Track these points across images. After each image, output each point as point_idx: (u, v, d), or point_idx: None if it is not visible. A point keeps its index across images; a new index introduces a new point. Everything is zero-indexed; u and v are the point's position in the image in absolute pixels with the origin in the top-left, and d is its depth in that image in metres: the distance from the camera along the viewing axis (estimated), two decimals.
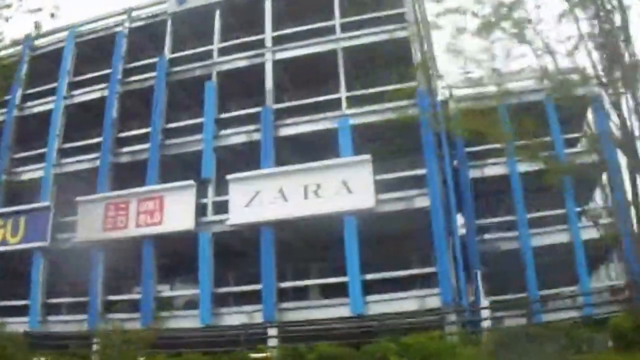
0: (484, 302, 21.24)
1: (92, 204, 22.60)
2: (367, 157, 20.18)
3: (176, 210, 21.40)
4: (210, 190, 21.56)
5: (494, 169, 23.63)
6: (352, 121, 20.97)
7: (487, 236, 23.38)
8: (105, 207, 22.30)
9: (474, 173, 23.77)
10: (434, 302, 19.29)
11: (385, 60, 21.75)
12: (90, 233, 22.33)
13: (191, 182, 21.42)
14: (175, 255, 21.93)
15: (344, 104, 21.40)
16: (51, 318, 22.85)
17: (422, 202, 20.04)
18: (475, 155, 23.76)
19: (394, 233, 20.60)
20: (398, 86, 21.20)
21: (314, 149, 21.01)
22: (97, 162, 23.35)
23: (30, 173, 24.64)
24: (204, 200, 21.45)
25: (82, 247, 22.40)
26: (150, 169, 22.24)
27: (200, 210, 21.28)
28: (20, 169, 24.92)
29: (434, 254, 20.81)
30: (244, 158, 21.51)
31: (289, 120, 21.69)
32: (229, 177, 21.09)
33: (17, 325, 22.62)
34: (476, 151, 23.59)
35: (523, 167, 22.71)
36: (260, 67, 22.49)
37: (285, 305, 20.11)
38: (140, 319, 21.07)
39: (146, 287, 21.36)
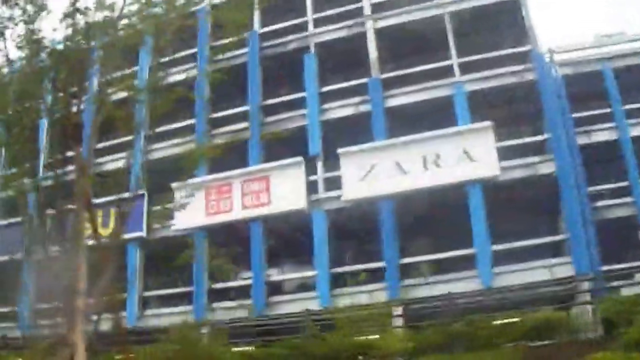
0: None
1: (190, 189, 21.51)
2: (488, 123, 19.30)
3: (284, 189, 20.40)
4: (320, 167, 20.60)
5: (601, 135, 22.73)
6: (467, 88, 20.09)
7: (599, 203, 22.51)
8: (206, 191, 21.29)
9: (581, 140, 22.90)
10: (563, 271, 18.53)
11: (494, 25, 20.96)
12: (190, 219, 21.29)
13: (299, 158, 20.44)
14: (282, 237, 20.98)
15: (456, 70, 20.49)
16: (149, 312, 21.88)
17: (547, 168, 19.26)
18: (581, 122, 22.88)
19: (517, 201, 19.77)
20: (511, 51, 20.50)
21: (426, 118, 20.06)
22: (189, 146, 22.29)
23: (117, 162, 23.54)
24: (313, 178, 20.51)
25: (181, 234, 21.43)
26: (252, 149, 21.22)
27: (310, 188, 20.35)
28: (104, 159, 23.84)
29: (559, 222, 20.13)
30: (350, 132, 20.55)
31: (397, 90, 20.76)
32: (340, 151, 20.12)
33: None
34: (582, 117, 22.74)
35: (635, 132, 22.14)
36: (361, 36, 21.56)
37: (408, 282, 19.24)
38: (252, 306, 20.23)
39: (257, 271, 20.38)
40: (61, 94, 11.16)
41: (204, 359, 14.35)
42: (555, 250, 19.43)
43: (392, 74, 21.13)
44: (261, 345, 17.04)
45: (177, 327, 16.74)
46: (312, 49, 22.03)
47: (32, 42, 11.06)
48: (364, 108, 20.83)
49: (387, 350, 14.17)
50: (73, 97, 10.97)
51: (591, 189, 22.40)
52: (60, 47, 11.31)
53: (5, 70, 12.28)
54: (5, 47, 11.11)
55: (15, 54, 11.53)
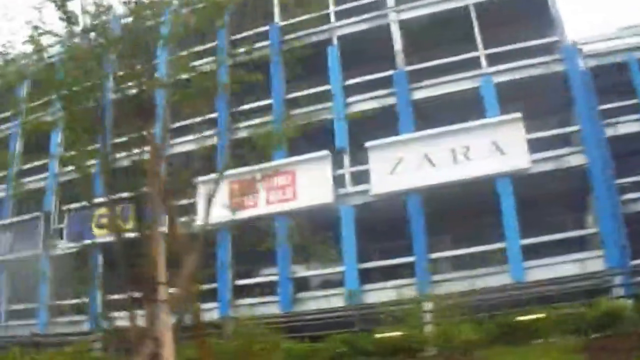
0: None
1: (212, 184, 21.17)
2: (518, 115, 19.03)
3: (311, 183, 20.10)
4: (346, 160, 20.30)
5: (629, 127, 22.44)
6: (496, 79, 19.80)
7: (624, 197, 22.25)
8: (229, 186, 20.92)
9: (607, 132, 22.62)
10: (595, 265, 18.31)
11: (520, 15, 20.67)
12: (214, 215, 20.91)
13: (326, 152, 20.13)
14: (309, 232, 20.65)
15: (483, 62, 20.22)
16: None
17: (577, 160, 19.03)
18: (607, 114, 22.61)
19: (545, 194, 19.51)
20: (538, 42, 20.24)
21: (453, 110, 19.78)
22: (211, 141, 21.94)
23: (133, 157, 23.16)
24: (340, 172, 20.22)
25: (203, 230, 21.05)
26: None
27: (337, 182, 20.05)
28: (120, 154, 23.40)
29: (587, 215, 19.90)
30: (377, 125, 20.24)
31: (423, 83, 20.47)
32: (368, 144, 19.83)
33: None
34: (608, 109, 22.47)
35: None
36: (384, 29, 21.25)
37: (437, 277, 18.98)
38: (278, 302, 19.95)
39: (282, 267, 20.09)
40: (129, 71, 10.54)
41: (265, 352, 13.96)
42: (584, 244, 19.23)
43: (417, 66, 20.84)
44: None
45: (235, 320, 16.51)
46: (335, 42, 21.72)
47: (99, 13, 10.45)
48: (389, 101, 20.53)
49: (461, 340, 13.87)
50: (142, 76, 10.36)
51: (618, 181, 22.26)
52: (126, 21, 10.81)
53: (62, 45, 11.59)
54: (68, 18, 10.43)
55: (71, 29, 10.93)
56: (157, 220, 10.02)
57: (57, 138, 21.74)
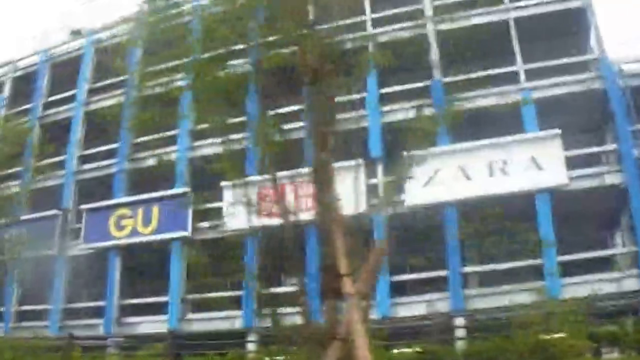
0: None
1: (240, 189, 20.67)
2: (557, 131, 18.89)
3: (342, 192, 19.61)
4: (380, 170, 19.96)
5: None
6: (535, 94, 19.64)
7: None
8: (257, 191, 20.42)
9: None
10: (630, 284, 18.15)
11: (559, 32, 20.59)
12: (240, 221, 20.40)
13: (359, 161, 19.72)
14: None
15: (522, 76, 20.09)
16: (195, 316, 20.92)
17: (614, 178, 18.91)
18: None
19: (581, 212, 19.34)
20: (578, 58, 20.18)
21: (490, 124, 19.58)
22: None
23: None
24: (373, 181, 19.88)
25: (229, 236, 20.56)
26: (307, 149, 20.40)
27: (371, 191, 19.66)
28: (144, 154, 22.87)
29: (621, 233, 19.80)
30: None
31: (460, 95, 20.18)
32: (404, 154, 19.45)
33: (156, 324, 20.80)
34: None
35: None
36: (421, 38, 20.99)
37: (469, 292, 18.72)
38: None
39: (312, 276, 19.56)
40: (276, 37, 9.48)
41: None
42: (615, 263, 19.09)
43: (455, 78, 20.58)
44: None
45: None
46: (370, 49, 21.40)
47: None
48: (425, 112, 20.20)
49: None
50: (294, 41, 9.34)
51: None
52: None
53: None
54: None
55: None
56: (336, 200, 9.28)
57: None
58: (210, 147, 22.11)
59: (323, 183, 9.49)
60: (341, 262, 8.41)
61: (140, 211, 21.63)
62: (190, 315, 21.11)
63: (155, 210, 21.45)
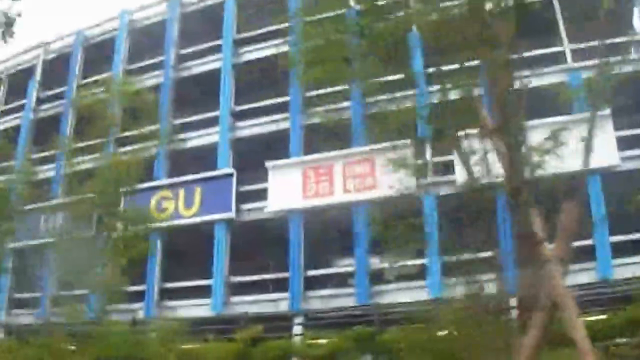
0: None
1: (286, 170, 20.62)
2: (607, 112, 18.79)
3: (390, 172, 19.57)
4: (428, 150, 19.86)
5: None
6: (583, 75, 19.55)
7: None
8: (303, 172, 20.36)
9: None
10: None
11: (605, 10, 20.42)
12: (285, 202, 20.37)
13: (406, 141, 19.62)
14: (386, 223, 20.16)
15: (569, 57, 19.98)
16: (236, 299, 20.81)
17: None
18: None
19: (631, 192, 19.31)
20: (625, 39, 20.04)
21: (538, 104, 19.48)
22: (283, 124, 21.41)
23: (199, 139, 22.51)
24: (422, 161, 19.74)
25: (274, 217, 20.52)
26: (356, 130, 20.32)
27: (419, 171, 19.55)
28: (185, 135, 22.72)
29: None
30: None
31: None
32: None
33: (198, 308, 20.68)
34: None
35: None
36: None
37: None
38: (354, 295, 19.39)
39: (360, 258, 19.54)
40: None
41: None
42: None
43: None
44: None
45: None
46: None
47: None
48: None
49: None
50: None
51: None
52: None
53: None
54: None
55: None
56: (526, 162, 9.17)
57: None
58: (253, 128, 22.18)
59: (511, 143, 9.53)
60: (537, 228, 8.37)
61: (181, 193, 21.45)
62: (233, 299, 21.03)
63: (197, 191, 21.28)
